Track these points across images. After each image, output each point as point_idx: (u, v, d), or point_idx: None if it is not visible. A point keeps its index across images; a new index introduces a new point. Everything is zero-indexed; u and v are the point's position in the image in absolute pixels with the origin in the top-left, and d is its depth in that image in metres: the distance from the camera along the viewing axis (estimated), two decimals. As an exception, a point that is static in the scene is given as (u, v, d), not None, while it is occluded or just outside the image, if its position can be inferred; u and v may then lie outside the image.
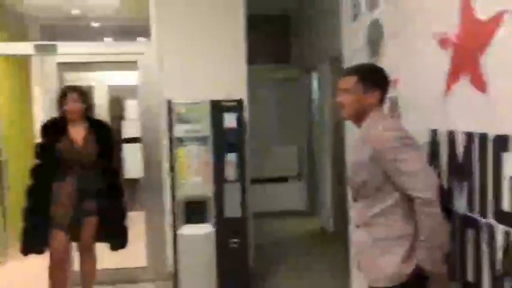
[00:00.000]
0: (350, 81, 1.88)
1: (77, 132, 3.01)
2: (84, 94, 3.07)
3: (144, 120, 4.04)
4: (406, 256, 1.74)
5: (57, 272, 3.05)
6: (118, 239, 3.20)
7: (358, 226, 1.92)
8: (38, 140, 3.10)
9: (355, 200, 1.94)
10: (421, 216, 1.68)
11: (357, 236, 1.97)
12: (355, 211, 1.97)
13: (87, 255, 3.19)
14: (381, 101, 1.89)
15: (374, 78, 1.88)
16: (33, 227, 2.96)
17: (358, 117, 1.89)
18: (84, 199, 3.01)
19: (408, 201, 1.73)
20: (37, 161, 3.02)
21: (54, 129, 3.00)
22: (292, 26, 6.65)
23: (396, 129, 1.79)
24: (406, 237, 1.76)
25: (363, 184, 1.83)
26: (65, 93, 3.02)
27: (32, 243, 2.99)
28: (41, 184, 2.96)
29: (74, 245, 3.22)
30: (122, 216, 3.23)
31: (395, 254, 1.76)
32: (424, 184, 1.67)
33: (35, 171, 3.00)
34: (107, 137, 3.15)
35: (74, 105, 2.98)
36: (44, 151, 3.00)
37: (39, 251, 3.03)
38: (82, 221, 3.04)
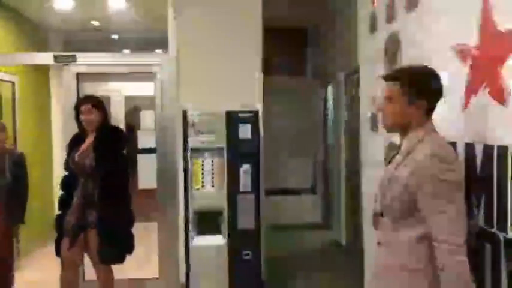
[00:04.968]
0: (393, 89, 1.68)
1: (88, 143, 3.03)
2: (99, 104, 3.05)
3: (159, 130, 4.07)
4: None
5: (67, 277, 3.11)
6: (118, 250, 3.06)
7: (379, 243, 1.78)
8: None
9: (381, 214, 1.78)
10: (448, 267, 1.49)
11: (377, 255, 1.81)
12: (380, 227, 1.81)
13: (100, 268, 3.16)
14: (429, 112, 1.67)
15: (421, 87, 1.65)
16: (60, 232, 3.09)
17: (402, 128, 1.70)
18: (86, 209, 2.98)
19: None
20: (65, 173, 3.16)
21: (76, 141, 3.08)
22: (308, 39, 6.69)
23: (445, 158, 1.57)
24: (426, 272, 1.60)
25: (392, 201, 1.67)
26: (79, 104, 3.04)
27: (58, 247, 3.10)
28: (64, 194, 3.09)
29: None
30: (125, 224, 3.08)
31: None
32: (455, 228, 1.51)
33: (61, 182, 3.16)
34: (109, 144, 3.01)
35: (88, 116, 2.98)
36: (66, 163, 3.12)
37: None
38: (85, 232, 3.01)
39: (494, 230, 1.64)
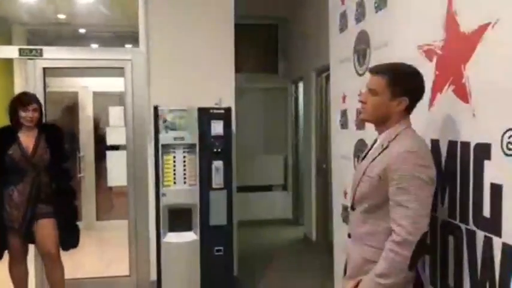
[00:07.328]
0: (379, 83, 1.69)
1: (28, 139, 3.06)
2: (40, 103, 3.15)
3: (129, 127, 4.01)
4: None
5: (16, 269, 3.19)
6: (69, 239, 3.20)
7: (349, 236, 1.83)
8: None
9: (352, 207, 1.81)
10: (389, 253, 1.58)
11: (348, 246, 1.85)
12: (350, 220, 1.86)
13: (53, 266, 3.18)
14: (409, 109, 1.72)
15: (405, 84, 1.68)
16: None
17: (379, 122, 1.75)
18: (37, 203, 3.05)
19: None
20: None
21: (4, 137, 3.07)
22: (280, 36, 6.73)
23: (419, 155, 1.62)
24: None
25: (364, 195, 1.73)
26: (26, 102, 3.06)
27: None
28: None
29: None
30: (74, 216, 3.27)
31: None
32: (411, 224, 1.55)
33: None
34: (57, 140, 3.19)
35: (34, 114, 3.05)
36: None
37: None
38: (36, 224, 3.06)
39: (457, 222, 1.72)
